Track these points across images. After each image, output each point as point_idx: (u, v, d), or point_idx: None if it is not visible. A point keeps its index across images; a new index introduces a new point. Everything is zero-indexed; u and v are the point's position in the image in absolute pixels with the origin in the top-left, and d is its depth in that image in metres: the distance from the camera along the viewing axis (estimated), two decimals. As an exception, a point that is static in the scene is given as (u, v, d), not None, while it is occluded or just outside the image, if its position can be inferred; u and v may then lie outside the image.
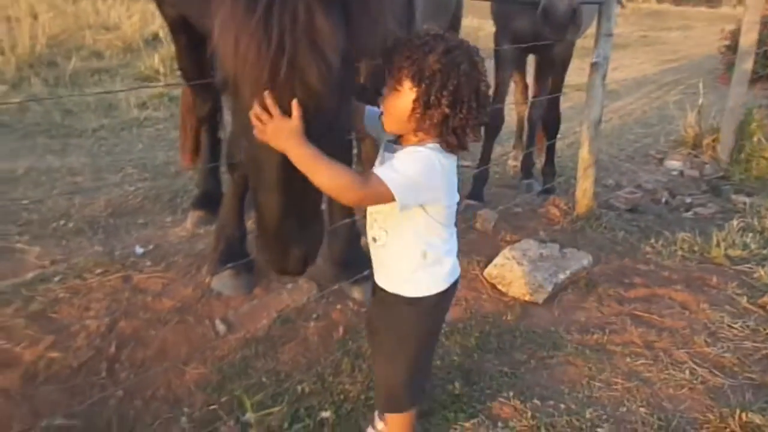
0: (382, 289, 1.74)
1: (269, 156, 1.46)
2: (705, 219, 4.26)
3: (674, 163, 5.80)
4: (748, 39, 5.56)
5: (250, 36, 1.32)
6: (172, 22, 3.16)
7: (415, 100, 1.47)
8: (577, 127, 7.12)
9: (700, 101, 6.48)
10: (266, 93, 1.38)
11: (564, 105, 6.00)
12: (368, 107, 1.73)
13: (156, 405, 2.12)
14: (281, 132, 1.39)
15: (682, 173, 5.58)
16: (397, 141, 1.62)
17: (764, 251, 3.56)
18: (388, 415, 1.86)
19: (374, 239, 1.69)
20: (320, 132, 1.44)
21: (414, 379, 1.77)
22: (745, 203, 4.55)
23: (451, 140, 1.52)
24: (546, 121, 4.35)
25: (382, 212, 1.64)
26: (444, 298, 1.72)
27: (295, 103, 1.38)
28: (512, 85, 5.23)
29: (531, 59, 4.73)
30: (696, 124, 6.22)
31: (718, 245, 3.53)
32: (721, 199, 4.76)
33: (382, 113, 1.61)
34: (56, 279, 2.73)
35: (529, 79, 5.05)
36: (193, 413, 2.10)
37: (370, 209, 1.69)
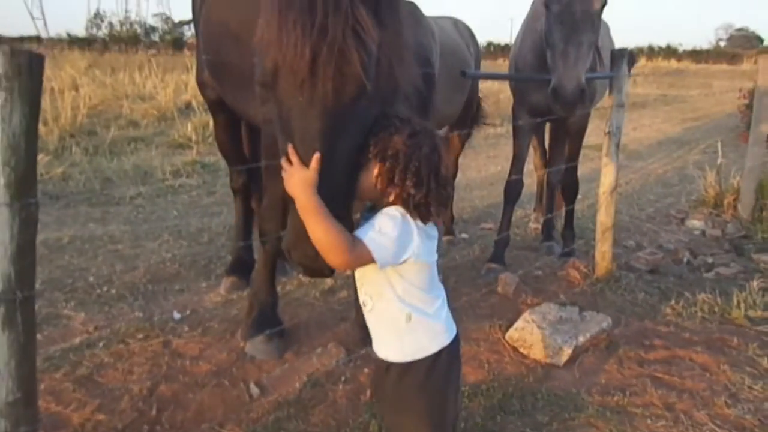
0: (377, 357, 1.76)
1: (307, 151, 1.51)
2: (727, 279, 4.31)
3: (696, 223, 5.86)
4: (762, 104, 5.70)
5: (294, 19, 1.41)
6: (212, 103, 3.44)
7: (378, 176, 1.61)
8: (597, 188, 7.30)
9: (719, 161, 6.59)
10: (290, 146, 1.50)
11: (585, 166, 6.16)
12: None
13: (194, 466, 2.24)
14: (297, 178, 1.50)
15: (703, 233, 5.63)
16: (373, 207, 1.73)
17: (785, 312, 3.60)
18: None
19: (363, 304, 1.76)
20: (348, 132, 1.54)
21: None
22: (767, 262, 4.59)
23: (414, 215, 1.63)
24: (564, 186, 4.51)
25: (366, 277, 1.72)
26: (439, 360, 1.71)
27: (315, 156, 1.49)
28: (531, 150, 5.43)
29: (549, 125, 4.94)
30: (716, 184, 6.31)
31: (738, 306, 3.58)
32: (744, 259, 4.80)
33: None
34: (101, 344, 2.90)
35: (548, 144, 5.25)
36: (229, 473, 2.21)
37: (357, 274, 1.75)
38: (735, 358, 3.04)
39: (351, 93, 1.51)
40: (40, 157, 7.12)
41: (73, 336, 3.00)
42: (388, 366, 1.72)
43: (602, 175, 3.89)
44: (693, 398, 2.70)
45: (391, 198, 1.62)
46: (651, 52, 53.10)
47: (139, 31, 31.31)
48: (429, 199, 1.61)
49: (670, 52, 55.37)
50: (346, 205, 1.65)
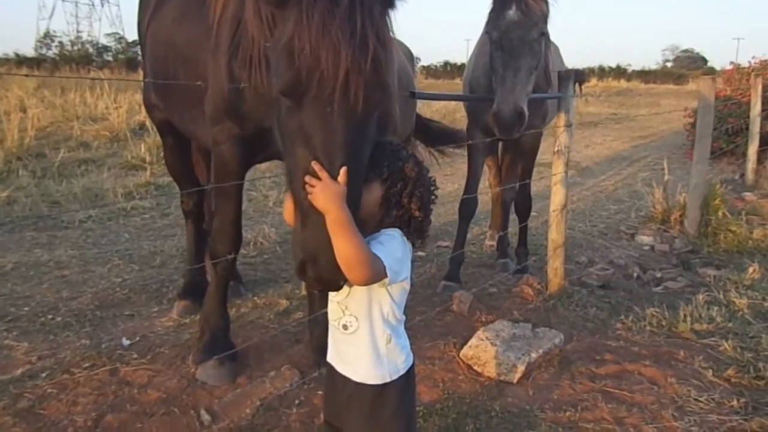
0: (347, 381, 1.76)
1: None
2: (674, 293, 4.43)
3: (645, 239, 6.02)
4: (704, 122, 5.93)
5: (336, 27, 1.45)
6: (160, 124, 3.40)
7: (382, 198, 1.69)
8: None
9: (666, 178, 6.81)
10: (314, 162, 1.52)
11: (539, 183, 6.27)
12: None
13: (141, 498, 2.17)
14: (328, 193, 1.53)
15: (652, 248, 5.78)
16: None
17: (729, 324, 3.71)
18: None
19: (345, 327, 1.76)
20: (366, 142, 1.60)
21: None
22: (713, 276, 4.74)
23: (411, 237, 1.74)
24: (517, 203, 4.58)
25: (353, 299, 1.74)
26: (408, 379, 1.79)
27: (344, 169, 1.52)
28: (486, 169, 5.52)
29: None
30: (664, 200, 6.51)
31: (684, 320, 3.68)
32: (691, 273, 4.95)
33: None
34: (44, 375, 2.80)
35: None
36: (178, 505, 2.14)
37: (338, 297, 1.76)
38: (682, 371, 3.12)
39: (378, 101, 1.59)
40: (-18, 181, 6.91)
41: (15, 367, 2.88)
42: (358, 389, 1.74)
43: (552, 194, 3.97)
44: (642, 412, 2.75)
45: (391, 220, 1.71)
46: (602, 72, 54.83)
47: (91, 50, 30.73)
48: (425, 223, 1.75)
49: (619, 72, 57.31)
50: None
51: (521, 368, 2.98)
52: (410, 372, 1.81)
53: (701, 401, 2.84)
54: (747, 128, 8.82)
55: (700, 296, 4.08)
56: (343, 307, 1.77)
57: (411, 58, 4.62)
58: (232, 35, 2.31)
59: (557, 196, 3.93)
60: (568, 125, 3.84)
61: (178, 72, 2.80)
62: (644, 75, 56.23)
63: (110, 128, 10.88)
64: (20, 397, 2.61)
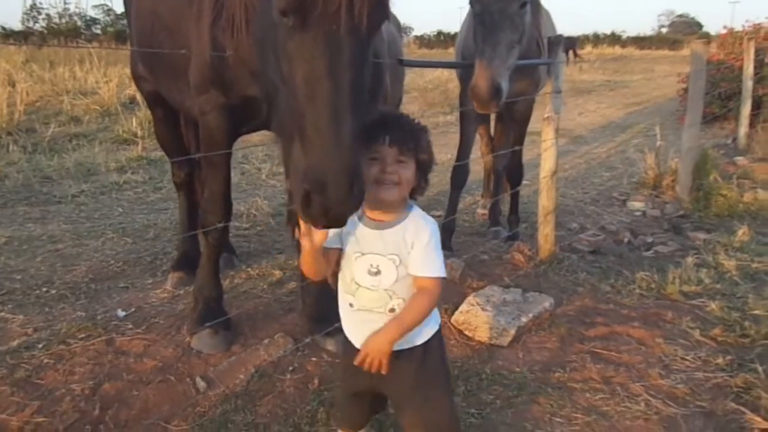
0: (397, 352, 1.82)
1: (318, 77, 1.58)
2: (665, 257, 4.47)
3: (636, 204, 6.05)
4: (696, 87, 5.91)
5: None
6: (148, 96, 3.38)
7: (418, 168, 1.79)
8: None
9: (658, 144, 6.82)
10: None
11: (532, 152, 6.28)
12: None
13: (140, 463, 2.22)
14: (378, 354, 1.76)
15: (644, 213, 5.81)
16: (363, 214, 1.82)
17: (717, 285, 3.77)
18: None
19: (392, 310, 1.81)
20: (367, 66, 1.67)
21: (455, 408, 2.01)
22: (703, 240, 4.78)
23: (424, 185, 1.85)
24: (509, 171, 4.59)
25: (402, 284, 1.80)
26: (440, 333, 1.96)
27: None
28: (478, 138, 5.52)
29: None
30: (656, 166, 6.53)
31: (673, 282, 3.73)
32: (681, 237, 4.99)
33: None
34: (40, 346, 2.83)
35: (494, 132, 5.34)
36: (176, 469, 2.20)
37: (385, 285, 1.80)
38: (669, 332, 3.18)
39: (379, 20, 1.64)
40: (-27, 156, 6.86)
41: (11, 339, 2.91)
42: (404, 352, 1.84)
43: (543, 160, 3.98)
44: (629, 371, 2.81)
45: (423, 185, 1.84)
46: (596, 39, 54.32)
47: (79, 23, 30.26)
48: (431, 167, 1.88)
49: (614, 38, 56.77)
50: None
51: (511, 332, 3.02)
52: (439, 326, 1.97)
53: (688, 359, 2.90)
54: (740, 92, 8.80)
55: (690, 259, 4.13)
56: (391, 293, 1.82)
57: (399, 27, 4.58)
58: (215, 1, 2.29)
59: (547, 163, 3.94)
60: (557, 91, 3.83)
61: (163, 42, 2.78)
62: (639, 41, 55.80)
63: (101, 102, 10.78)
64: (17, 367, 2.65)
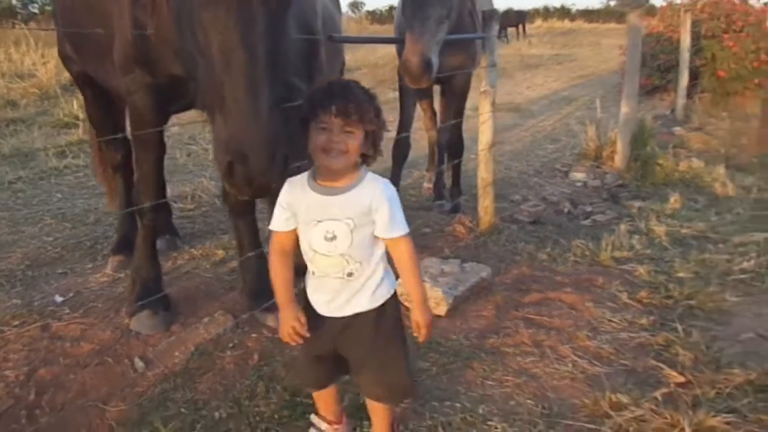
0: (354, 315, 1.93)
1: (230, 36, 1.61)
2: (601, 225, 4.63)
3: (578, 175, 6.22)
4: (632, 59, 6.09)
5: None
6: (77, 77, 3.31)
7: (366, 137, 1.80)
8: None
9: (599, 116, 7.00)
10: None
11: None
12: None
13: (77, 445, 2.23)
14: (426, 319, 1.96)
15: (585, 184, 5.98)
16: (313, 181, 1.87)
17: (647, 251, 3.94)
18: (379, 406, 2.10)
19: (350, 274, 1.88)
20: (283, 39, 1.73)
21: (413, 366, 2.18)
22: (638, 208, 4.97)
23: (375, 153, 1.88)
24: (449, 145, 4.66)
25: (357, 247, 1.86)
26: (395, 297, 2.04)
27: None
28: (422, 113, 5.58)
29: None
30: (596, 137, 6.71)
31: (606, 249, 3.88)
32: (619, 206, 5.16)
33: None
34: (-27, 334, 2.79)
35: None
36: (114, 449, 2.21)
37: (341, 250, 1.86)
38: (599, 296, 3.32)
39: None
40: None
41: (-57, 329, 2.86)
42: (359, 316, 1.94)
43: (480, 133, 4.06)
44: (559, 334, 2.94)
45: (371, 151, 1.86)
46: (546, 13, 54.87)
47: (14, 2, 29.00)
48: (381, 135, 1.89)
49: (564, 12, 57.43)
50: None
51: (449, 301, 3.11)
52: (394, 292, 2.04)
53: (614, 321, 3.04)
54: (678, 64, 9.07)
55: (623, 226, 4.29)
56: (348, 257, 1.87)
57: (337, 3, 4.56)
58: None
59: (485, 136, 4.02)
60: (492, 65, 3.90)
61: (86, 21, 2.72)
62: (588, 15, 56.56)
63: (39, 85, 10.40)
64: (-52, 356, 2.61)
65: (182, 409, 2.39)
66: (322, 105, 1.78)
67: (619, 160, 6.25)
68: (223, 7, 1.59)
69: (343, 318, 1.95)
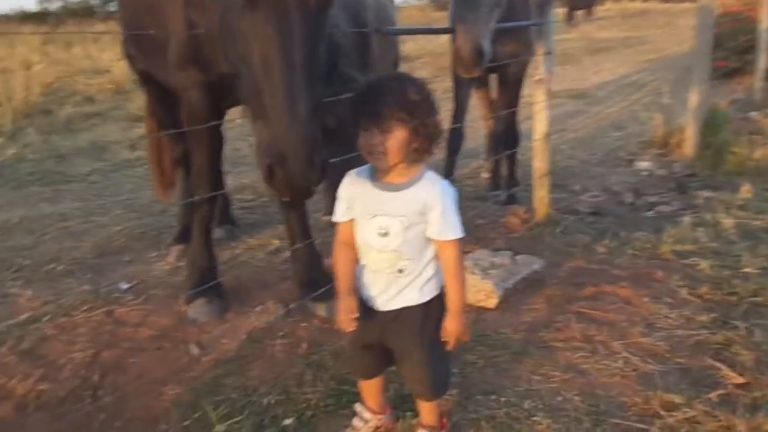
0: (400, 310, 1.96)
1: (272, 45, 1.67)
2: (665, 217, 4.45)
3: (643, 164, 6.00)
4: (703, 41, 5.80)
5: None
6: (140, 74, 3.46)
7: (411, 135, 1.78)
8: (553, 135, 7.39)
9: (666, 102, 6.72)
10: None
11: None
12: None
13: (135, 425, 2.35)
14: (458, 328, 1.94)
15: (651, 174, 5.76)
16: (375, 176, 1.89)
17: (713, 244, 3.76)
18: (423, 403, 2.13)
19: (401, 270, 1.92)
20: (321, 41, 1.78)
21: (449, 365, 2.19)
22: (706, 199, 4.74)
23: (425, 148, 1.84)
24: (504, 134, 4.59)
25: (409, 244, 1.89)
26: (441, 294, 2.02)
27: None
28: (480, 102, 5.51)
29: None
30: (664, 125, 6.45)
31: (667, 241, 3.74)
32: (686, 197, 4.94)
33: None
34: (45, 318, 2.99)
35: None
36: (169, 430, 2.32)
37: (393, 245, 1.89)
38: (657, 291, 3.21)
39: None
40: (-7, 140, 7.05)
41: (20, 312, 3.07)
42: (407, 310, 1.95)
43: (535, 122, 3.99)
44: (612, 330, 2.86)
45: (423, 147, 1.83)
46: (619, -5, 52.64)
47: (94, 1, 30.37)
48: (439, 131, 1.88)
49: (637, -7, 54.92)
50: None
51: (498, 294, 3.08)
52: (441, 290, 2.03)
53: (671, 318, 2.93)
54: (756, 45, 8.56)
55: (687, 218, 4.12)
56: (399, 253, 1.90)
57: (392, -6, 4.56)
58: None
59: (540, 125, 3.94)
60: (548, 53, 3.81)
61: (146, 23, 2.84)
62: (663, -6, 53.87)
63: (114, 81, 10.92)
64: (23, 339, 2.81)
65: (233, 395, 2.48)
66: (357, 107, 1.80)
67: (688, 148, 5.99)
68: (262, 18, 1.64)
69: (391, 311, 1.98)
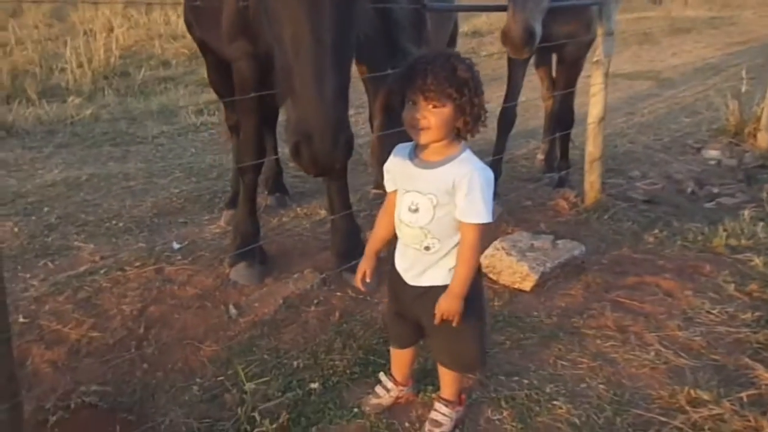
0: (428, 287, 2.00)
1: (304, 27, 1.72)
2: (727, 209, 4.28)
3: (712, 153, 5.73)
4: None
5: None
6: (198, 42, 3.60)
7: (456, 112, 1.82)
8: (619, 118, 7.16)
9: (743, 88, 6.38)
10: None
11: (612, 95, 5.99)
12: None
13: (174, 376, 2.51)
14: (457, 307, 1.91)
15: (719, 163, 5.51)
16: (414, 152, 1.95)
17: (771, 240, 3.60)
18: (448, 372, 2.17)
19: (427, 248, 1.97)
20: (353, 26, 1.84)
21: (484, 343, 2.19)
22: (768, 192, 4.51)
23: (469, 126, 1.87)
24: (559, 116, 4.49)
25: (438, 224, 1.93)
26: (479, 271, 2.08)
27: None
28: (539, 82, 5.41)
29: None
30: (738, 112, 6.13)
31: (721, 235, 3.60)
32: (753, 189, 4.72)
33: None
34: (102, 271, 3.19)
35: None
36: (204, 383, 2.47)
37: (421, 222, 1.94)
38: (702, 285, 3.11)
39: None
40: (71, 99, 7.47)
41: (80, 264, 3.30)
42: (442, 288, 1.96)
43: (590, 105, 3.89)
44: (647, 321, 2.81)
45: (468, 127, 1.86)
46: (712, -30, 49.55)
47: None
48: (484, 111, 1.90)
49: (733, -31, 51.50)
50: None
51: (534, 277, 3.07)
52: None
53: (713, 313, 2.85)
54: None
55: (747, 212, 3.94)
56: (426, 231, 1.95)
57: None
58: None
59: (595, 109, 3.84)
60: (609, 33, 3.69)
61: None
62: (762, -29, 50.29)
63: (189, 46, 11.20)
64: (80, 289, 3.02)
65: (265, 356, 2.60)
66: (404, 82, 1.84)
67: (763, 139, 5.69)
68: (294, 1, 1.69)
69: (420, 287, 2.03)
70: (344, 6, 1.74)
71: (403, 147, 1.99)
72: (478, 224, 1.87)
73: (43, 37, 12.39)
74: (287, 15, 1.73)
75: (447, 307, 1.92)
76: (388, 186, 2.06)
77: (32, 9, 14.11)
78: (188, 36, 11.83)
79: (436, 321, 1.95)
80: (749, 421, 2.16)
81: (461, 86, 1.80)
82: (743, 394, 2.28)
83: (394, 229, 2.06)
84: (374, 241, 2.15)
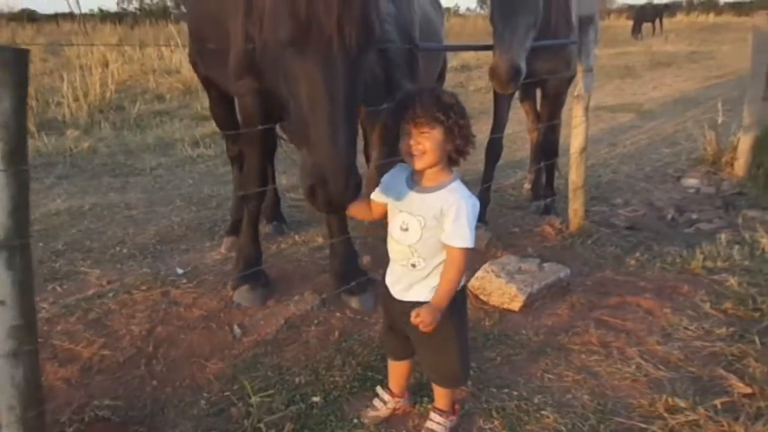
0: (413, 303, 2.11)
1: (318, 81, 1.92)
2: (704, 234, 4.50)
3: (691, 181, 5.99)
4: (757, 60, 5.79)
5: None
6: (203, 80, 3.79)
7: (446, 132, 2.00)
8: (602, 149, 7.44)
9: (719, 119, 6.68)
10: None
11: (595, 127, 6.24)
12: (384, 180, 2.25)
13: (182, 391, 2.64)
14: (432, 319, 2.01)
15: (698, 191, 5.76)
16: (411, 177, 2.14)
17: (746, 263, 3.80)
18: (438, 388, 2.33)
19: (413, 265, 2.14)
20: (361, 80, 2.03)
21: (465, 360, 2.31)
22: (748, 218, 4.73)
23: (459, 150, 2.06)
24: (543, 146, 4.72)
25: (425, 244, 2.10)
26: (462, 293, 2.23)
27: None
28: (524, 115, 5.66)
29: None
30: (715, 142, 6.41)
31: (699, 257, 3.80)
32: (731, 216, 4.94)
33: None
34: (110, 294, 3.33)
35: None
36: (211, 398, 2.60)
37: (409, 241, 2.12)
38: (680, 304, 3.30)
39: (368, 42, 1.97)
40: (69, 132, 7.63)
41: (88, 288, 3.43)
42: (414, 306, 2.08)
43: (572, 137, 4.11)
44: (629, 337, 2.98)
45: (457, 150, 2.05)
46: (690, 7, 51.16)
47: (169, 3, 31.81)
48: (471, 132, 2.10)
49: (710, 5, 53.22)
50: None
51: (522, 298, 3.25)
52: (463, 286, 2.22)
53: (690, 329, 3.03)
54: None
55: (723, 236, 4.16)
56: (413, 249, 2.13)
57: (440, 7, 4.78)
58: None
59: (576, 140, 4.07)
60: (588, 70, 3.94)
61: (210, 33, 3.15)
62: (738, 7, 51.97)
63: (183, 81, 11.52)
64: (90, 311, 3.15)
65: (268, 372, 2.74)
66: (397, 115, 2.07)
67: (739, 167, 5.96)
68: (310, 63, 1.92)
69: (407, 302, 2.18)
70: (354, 66, 1.95)
71: (405, 167, 2.18)
72: (463, 249, 2.05)
73: (38, 71, 12.66)
74: (304, 75, 1.94)
75: (424, 313, 2.01)
76: (375, 196, 2.22)
77: (26, 43, 14.39)
78: (182, 70, 12.23)
79: (412, 321, 2.04)
80: (723, 426, 2.33)
81: (447, 109, 2.01)
82: (717, 402, 2.45)
83: (369, 210, 2.26)
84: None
